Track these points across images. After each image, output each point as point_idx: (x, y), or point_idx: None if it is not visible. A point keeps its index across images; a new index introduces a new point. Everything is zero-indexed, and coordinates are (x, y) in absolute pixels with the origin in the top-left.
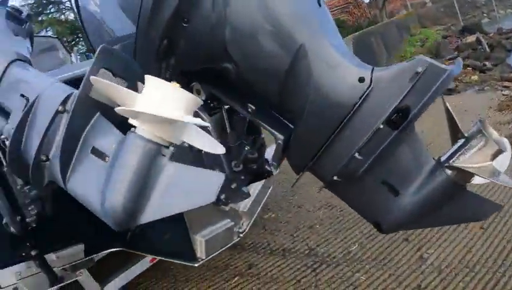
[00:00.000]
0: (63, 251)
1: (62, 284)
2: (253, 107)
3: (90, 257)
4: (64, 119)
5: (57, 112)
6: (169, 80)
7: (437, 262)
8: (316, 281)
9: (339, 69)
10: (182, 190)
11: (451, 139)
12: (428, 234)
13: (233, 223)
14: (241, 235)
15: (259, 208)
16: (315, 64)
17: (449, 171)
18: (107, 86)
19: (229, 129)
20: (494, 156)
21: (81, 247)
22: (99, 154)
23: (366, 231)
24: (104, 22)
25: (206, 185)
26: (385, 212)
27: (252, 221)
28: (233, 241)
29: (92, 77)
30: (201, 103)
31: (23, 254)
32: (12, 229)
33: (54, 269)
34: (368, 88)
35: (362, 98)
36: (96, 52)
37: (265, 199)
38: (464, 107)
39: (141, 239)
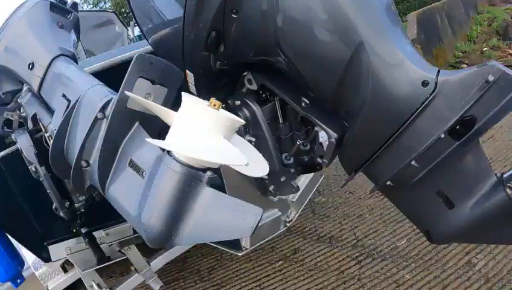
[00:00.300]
0: (112, 228)
1: (110, 262)
2: (307, 102)
3: (138, 234)
4: (104, 126)
5: (96, 119)
6: (219, 71)
7: (485, 269)
8: (360, 274)
9: (401, 69)
10: (217, 220)
11: None
12: None
13: (280, 213)
14: (288, 224)
15: (309, 198)
16: (376, 61)
17: (510, 191)
18: (143, 103)
19: (281, 120)
20: None
21: (129, 224)
22: (136, 168)
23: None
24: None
25: (243, 218)
26: (437, 223)
27: (300, 211)
28: (280, 231)
29: (126, 93)
30: (243, 123)
31: (74, 230)
32: (61, 213)
33: (103, 245)
34: (431, 93)
35: (424, 104)
36: (132, 61)
37: (315, 188)
38: None
39: None
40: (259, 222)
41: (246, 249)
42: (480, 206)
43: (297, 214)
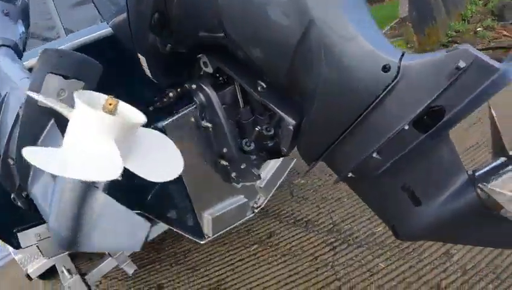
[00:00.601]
0: None
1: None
2: (264, 86)
3: None
4: None
5: (18, 116)
6: (170, 54)
7: (463, 261)
8: (333, 261)
9: (357, 51)
10: (110, 229)
11: (493, 151)
12: None
13: (247, 199)
14: (256, 210)
15: (279, 183)
16: (328, 41)
17: (481, 192)
18: (45, 101)
19: (242, 104)
20: None
21: None
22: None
23: None
24: None
25: (132, 231)
26: (403, 219)
27: (269, 197)
28: (247, 217)
29: (28, 93)
30: (144, 121)
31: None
32: (19, 203)
33: None
34: (394, 79)
35: (385, 91)
36: (38, 57)
37: (286, 173)
38: None
39: (157, 206)
40: (147, 236)
41: (209, 237)
42: (449, 205)
43: (266, 200)
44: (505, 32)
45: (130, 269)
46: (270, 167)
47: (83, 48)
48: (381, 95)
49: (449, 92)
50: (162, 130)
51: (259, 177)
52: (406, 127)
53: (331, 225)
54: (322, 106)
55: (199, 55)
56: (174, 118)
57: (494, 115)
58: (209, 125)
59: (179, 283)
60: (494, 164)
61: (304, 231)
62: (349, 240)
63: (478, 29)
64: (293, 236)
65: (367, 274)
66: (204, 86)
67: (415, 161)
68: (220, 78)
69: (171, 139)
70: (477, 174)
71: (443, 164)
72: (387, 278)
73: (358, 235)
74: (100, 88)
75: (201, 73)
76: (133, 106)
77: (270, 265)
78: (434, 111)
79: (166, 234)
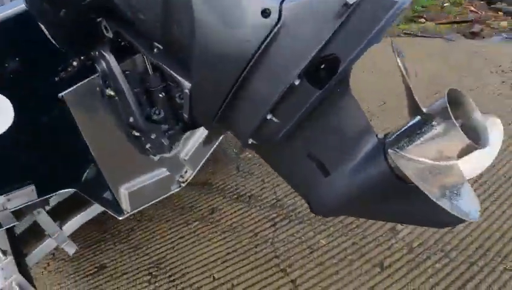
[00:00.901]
0: (13, 193)
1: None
2: (160, 47)
3: (44, 198)
4: None
5: None
6: (67, 20)
7: (409, 238)
8: (274, 237)
9: None
10: None
11: (409, 112)
12: None
13: (169, 172)
14: (183, 184)
15: (207, 156)
16: None
17: (392, 159)
18: None
19: (151, 71)
20: (462, 152)
21: (32, 188)
22: None
23: None
24: None
25: None
26: (314, 192)
27: (196, 170)
28: (173, 192)
29: None
30: None
31: None
32: None
33: (7, 210)
34: (275, 25)
35: (268, 40)
36: None
37: (215, 145)
38: (486, 55)
39: (89, 182)
40: None
41: (128, 212)
42: (358, 175)
43: (193, 174)
44: (472, 8)
45: (70, 248)
46: (196, 138)
47: None
48: (263, 46)
49: (340, 36)
50: (62, 100)
51: (170, 148)
52: (297, 82)
53: (274, 200)
54: (201, 62)
55: (99, 19)
56: (74, 87)
57: (402, 66)
58: (113, 93)
59: (121, 262)
60: (408, 125)
61: (246, 206)
62: (291, 215)
63: (445, 4)
64: (235, 212)
65: (307, 251)
66: (104, 53)
67: (317, 124)
68: (122, 44)
69: (74, 109)
70: (388, 139)
71: (348, 126)
72: (328, 255)
73: (301, 210)
74: None
75: (105, 39)
76: None
77: (210, 242)
78: (327, 61)
79: (104, 215)
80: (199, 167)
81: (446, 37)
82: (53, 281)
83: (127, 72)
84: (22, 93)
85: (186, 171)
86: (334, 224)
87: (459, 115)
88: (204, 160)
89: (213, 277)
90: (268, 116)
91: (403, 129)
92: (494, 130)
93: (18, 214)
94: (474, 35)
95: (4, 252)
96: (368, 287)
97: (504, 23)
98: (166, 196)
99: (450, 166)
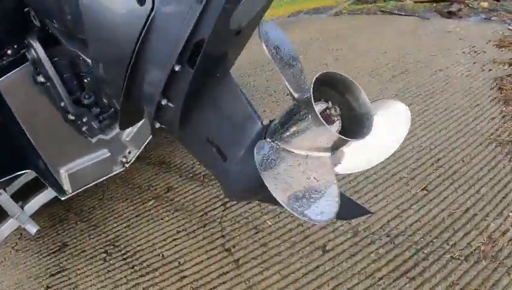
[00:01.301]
0: None
1: None
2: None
3: (2, 179)
4: None
5: None
6: None
7: (356, 221)
8: (222, 217)
9: None
10: None
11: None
12: (361, 183)
13: (111, 153)
14: (126, 165)
15: (149, 138)
16: None
17: (279, 149)
18: None
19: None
20: (334, 147)
21: None
22: None
23: None
24: None
25: None
26: (220, 177)
27: (139, 151)
28: (116, 172)
29: None
30: None
31: None
32: None
33: None
34: (149, 13)
35: (145, 28)
36: None
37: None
38: (460, 34)
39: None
40: None
41: (70, 193)
42: (246, 162)
43: (136, 155)
44: None
45: (32, 228)
46: None
47: None
48: (144, 32)
49: (204, 20)
50: None
51: (101, 130)
52: (177, 68)
53: None
54: (94, 48)
55: (26, 9)
56: (6, 76)
57: (268, 50)
58: (44, 80)
59: (81, 240)
60: (285, 112)
61: (199, 185)
62: None
63: None
64: (188, 191)
65: (252, 231)
66: (32, 41)
67: (207, 109)
68: (50, 32)
69: (8, 97)
70: (272, 124)
71: (233, 113)
72: (273, 236)
73: None
74: None
75: (35, 28)
76: None
77: (162, 221)
78: (199, 45)
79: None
80: (143, 147)
81: (421, 15)
82: (19, 260)
83: (55, 59)
84: None
85: (129, 152)
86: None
87: (344, 100)
88: (147, 141)
89: (162, 255)
90: (163, 102)
91: (282, 116)
92: (395, 118)
93: None
94: (451, 14)
95: None
96: (309, 269)
97: (484, 4)
98: (108, 176)
99: (321, 158)
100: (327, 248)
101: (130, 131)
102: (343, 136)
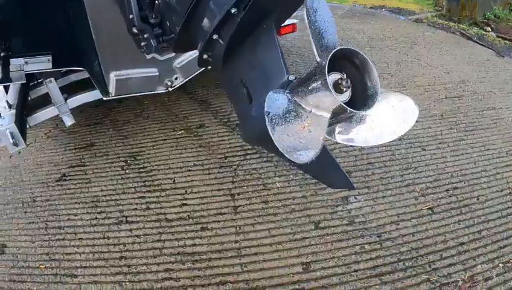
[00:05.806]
0: (32, 58)
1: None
2: None
3: (57, 70)
4: None
5: None
6: None
7: (355, 212)
8: (238, 165)
9: None
10: None
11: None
12: (375, 181)
13: (159, 73)
14: (170, 88)
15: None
16: None
17: (292, 100)
18: None
19: None
20: (336, 112)
21: (49, 58)
22: None
23: None
24: None
25: None
26: (240, 117)
27: (185, 80)
28: (158, 92)
29: None
30: None
31: None
32: None
33: (22, 71)
34: None
35: None
36: None
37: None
38: None
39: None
40: None
41: (112, 96)
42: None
43: (183, 82)
44: None
45: (68, 120)
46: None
47: None
48: None
49: None
50: None
51: (156, 49)
52: (233, 10)
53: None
54: None
55: None
56: None
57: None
58: None
59: (107, 145)
60: (310, 69)
61: (230, 132)
62: (263, 151)
63: None
64: (217, 133)
65: (260, 187)
66: None
67: (246, 52)
68: None
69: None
70: (295, 80)
71: (266, 62)
72: (276, 198)
73: None
74: None
75: None
76: None
77: (185, 151)
78: None
79: (121, 103)
80: (190, 77)
81: (498, 51)
82: (47, 145)
83: None
84: None
85: (176, 78)
86: (296, 173)
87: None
88: (196, 72)
89: (174, 179)
90: (215, 36)
91: (303, 76)
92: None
93: (31, 77)
94: None
95: (10, 105)
96: (296, 237)
97: None
98: (151, 93)
99: (321, 117)
100: (320, 225)
101: (182, 59)
102: (343, 104)
